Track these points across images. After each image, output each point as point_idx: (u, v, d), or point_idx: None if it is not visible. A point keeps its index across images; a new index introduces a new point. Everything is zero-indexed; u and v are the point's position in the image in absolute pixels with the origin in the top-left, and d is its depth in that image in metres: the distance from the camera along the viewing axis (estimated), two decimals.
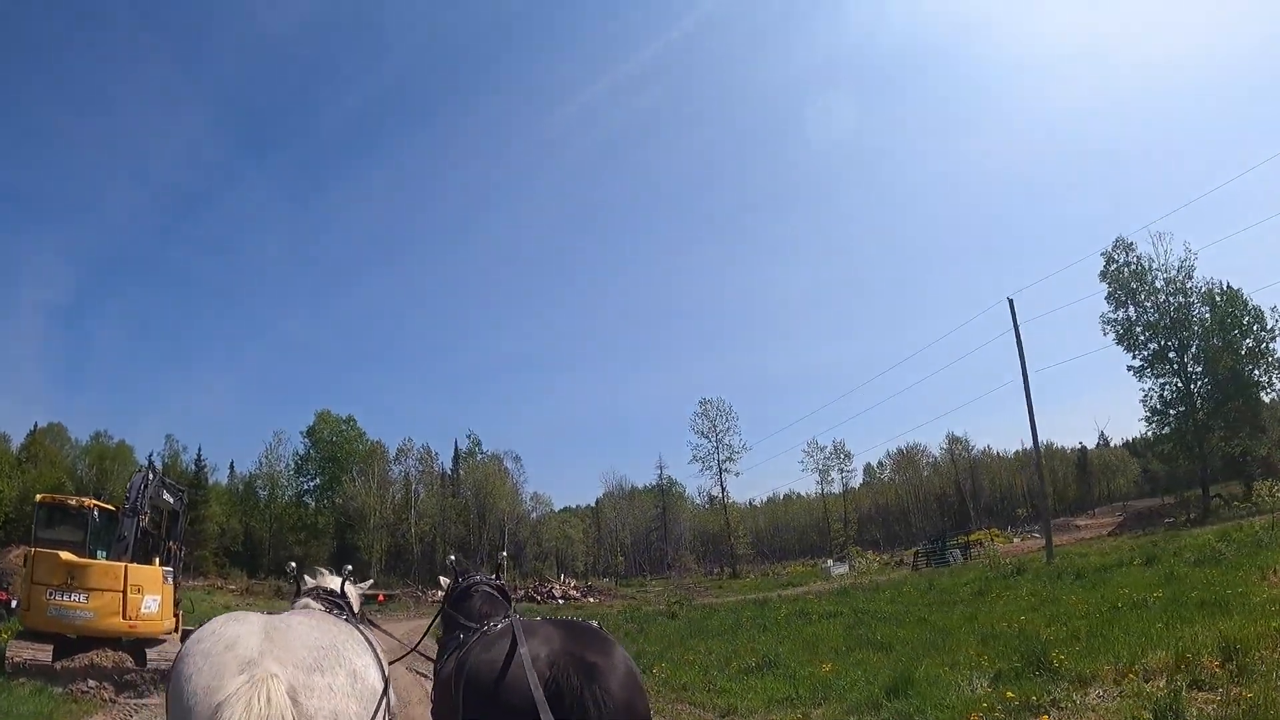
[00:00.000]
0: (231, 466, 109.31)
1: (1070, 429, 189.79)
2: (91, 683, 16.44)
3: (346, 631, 4.68)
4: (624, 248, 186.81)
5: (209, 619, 4.44)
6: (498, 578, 6.78)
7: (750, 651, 18.72)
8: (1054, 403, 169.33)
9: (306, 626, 4.35)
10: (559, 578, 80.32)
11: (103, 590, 16.98)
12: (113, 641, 17.34)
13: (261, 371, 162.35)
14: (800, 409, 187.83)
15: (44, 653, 16.30)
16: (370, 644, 4.77)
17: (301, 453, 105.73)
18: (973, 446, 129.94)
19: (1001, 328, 45.74)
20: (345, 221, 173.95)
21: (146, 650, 17.73)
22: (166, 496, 21.59)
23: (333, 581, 6.63)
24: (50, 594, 16.67)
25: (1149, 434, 69.66)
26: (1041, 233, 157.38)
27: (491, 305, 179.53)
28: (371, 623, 6.47)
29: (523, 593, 65.42)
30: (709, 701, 14.34)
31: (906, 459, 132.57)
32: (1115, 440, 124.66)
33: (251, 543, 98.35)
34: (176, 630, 21.25)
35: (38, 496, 20.12)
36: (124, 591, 17.16)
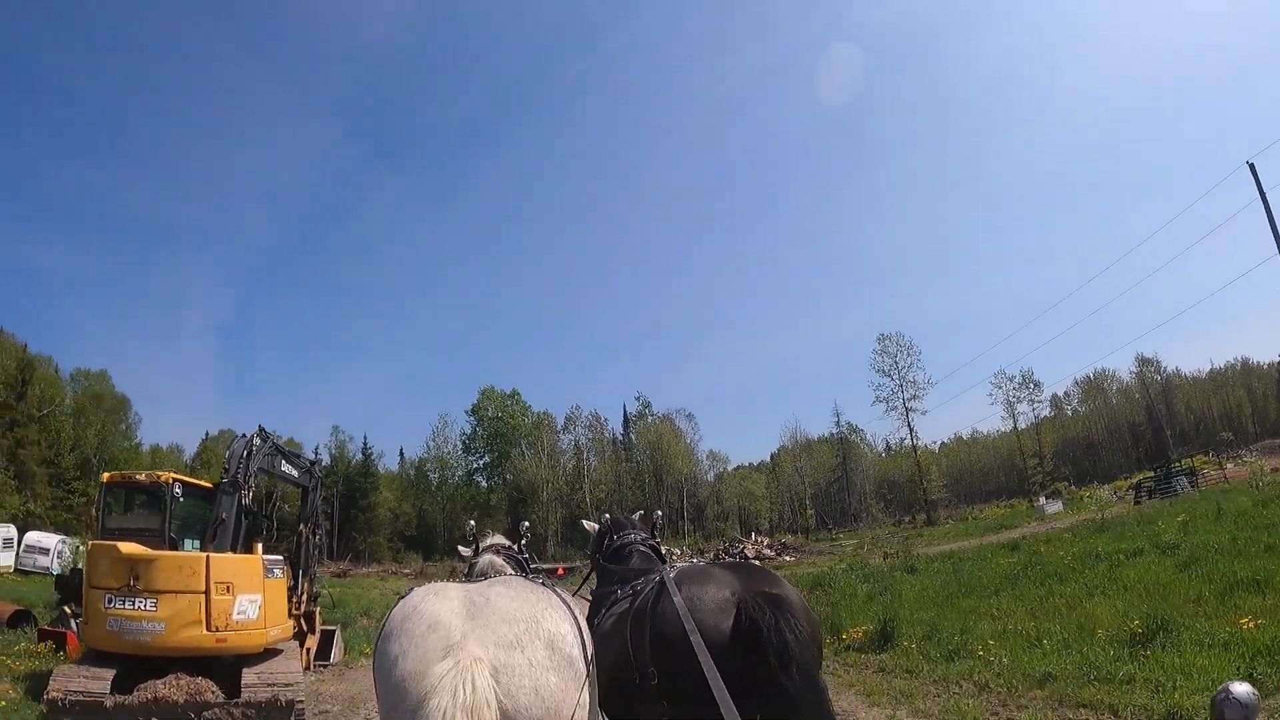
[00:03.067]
0: (401, 452, 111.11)
1: (1256, 346, 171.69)
2: None
3: (546, 598, 4.07)
4: (777, 194, 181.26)
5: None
6: (653, 536, 6.68)
7: (1108, 613, 13.86)
8: (1235, 320, 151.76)
9: (506, 598, 3.96)
10: (750, 536, 75.08)
11: (176, 592, 12.25)
12: (194, 662, 12.55)
13: (422, 361, 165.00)
14: (975, 347, 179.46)
15: (99, 681, 11.71)
16: (569, 609, 4.05)
17: (468, 432, 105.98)
18: (1164, 368, 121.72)
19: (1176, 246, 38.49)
20: (486, 206, 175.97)
21: (245, 670, 12.88)
22: (286, 468, 17.33)
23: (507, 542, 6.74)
24: (109, 600, 12.15)
25: None
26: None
27: (648, 269, 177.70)
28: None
29: (711, 555, 60.62)
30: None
31: (1094, 386, 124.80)
32: None
33: (425, 525, 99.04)
34: (310, 634, 17.67)
35: (104, 476, 15.47)
36: (206, 592, 12.39)
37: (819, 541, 77.72)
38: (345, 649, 19.73)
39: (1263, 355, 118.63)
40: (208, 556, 12.77)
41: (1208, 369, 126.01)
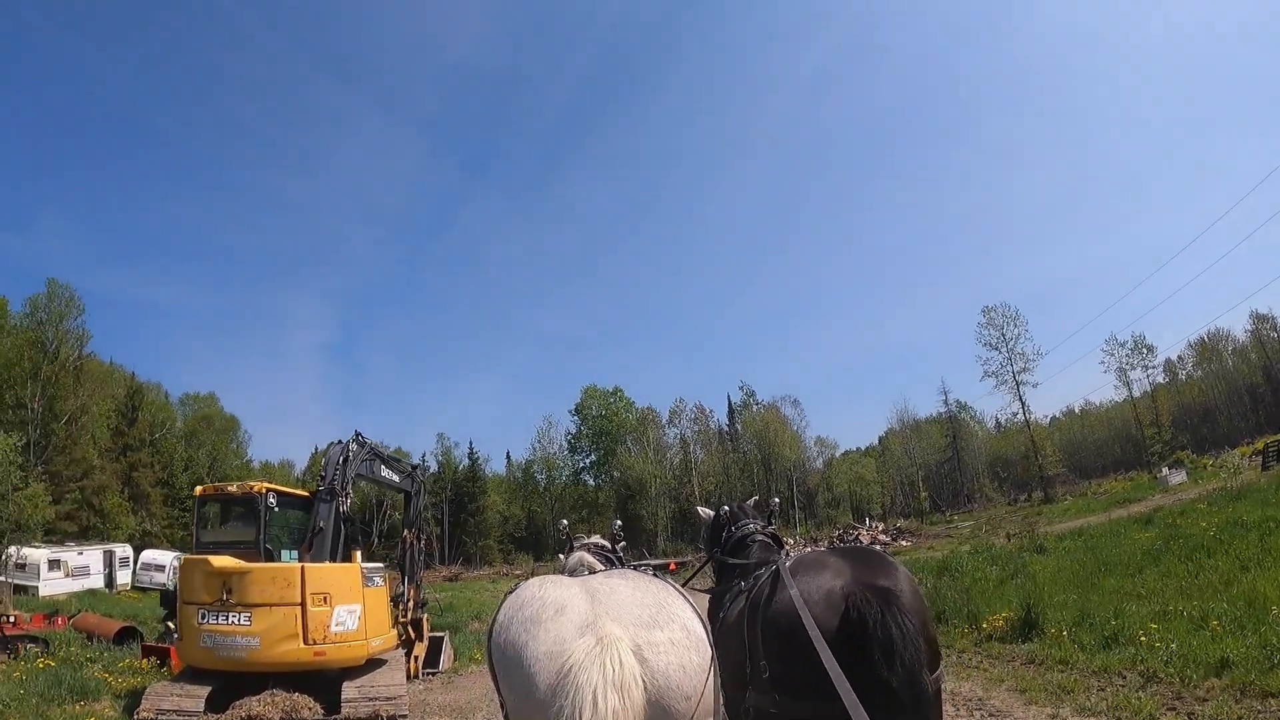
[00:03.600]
0: (508, 456, 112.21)
1: None
2: None
3: (663, 587, 4.18)
4: (864, 177, 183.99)
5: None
6: (770, 525, 6.56)
7: (1274, 588, 12.19)
8: None
9: (627, 587, 4.01)
10: (864, 523, 73.59)
11: (271, 605, 11.75)
12: (292, 677, 12.04)
13: (525, 367, 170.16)
14: (1083, 315, 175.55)
15: (192, 699, 11.28)
16: (685, 597, 4.13)
17: (573, 431, 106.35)
18: None
19: None
20: (578, 210, 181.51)
21: (346, 684, 12.34)
22: (386, 473, 16.90)
23: (602, 542, 6.71)
24: (202, 616, 11.74)
25: None
26: None
27: (743, 262, 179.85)
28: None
29: (825, 544, 59.12)
30: None
31: (1209, 349, 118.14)
32: None
33: (534, 527, 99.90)
34: (418, 641, 17.15)
35: (196, 490, 15.08)
36: (303, 603, 11.85)
37: (934, 525, 75.64)
38: (455, 655, 19.15)
39: None
40: (303, 567, 12.26)
41: None
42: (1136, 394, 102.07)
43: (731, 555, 6.07)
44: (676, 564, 56.37)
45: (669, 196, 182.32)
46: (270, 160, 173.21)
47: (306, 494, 14.73)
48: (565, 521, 8.34)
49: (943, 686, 4.65)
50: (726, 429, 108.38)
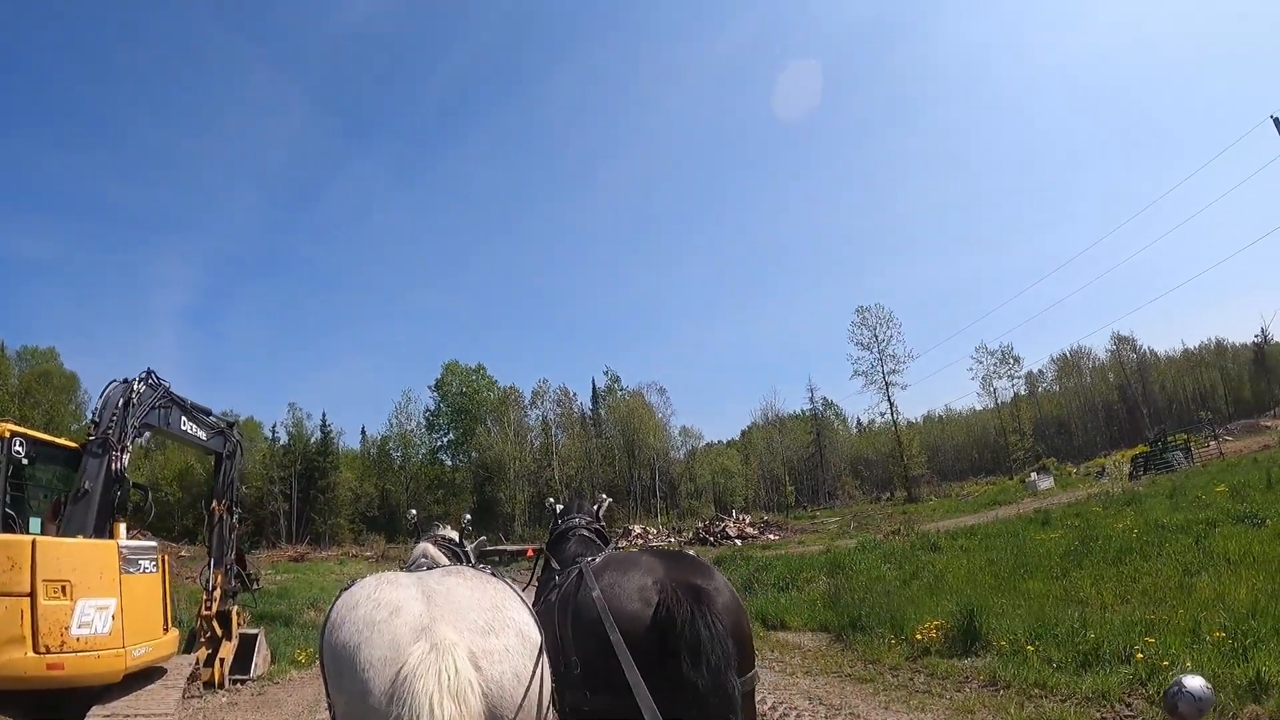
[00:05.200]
0: (363, 431, 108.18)
1: (1225, 327, 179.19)
2: None
3: (501, 588, 4.11)
4: (749, 177, 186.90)
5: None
6: (597, 520, 6.63)
7: (1250, 594, 11.28)
8: (1210, 300, 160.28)
9: (465, 588, 3.95)
10: (730, 514, 72.04)
11: None
12: (17, 698, 8.35)
13: (395, 344, 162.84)
14: (953, 325, 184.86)
15: None
16: (522, 599, 4.11)
17: (432, 408, 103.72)
18: (1140, 346, 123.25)
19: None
20: (461, 188, 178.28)
21: (94, 709, 8.80)
22: (189, 428, 13.56)
23: (450, 534, 6.78)
24: None
25: None
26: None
27: (620, 253, 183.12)
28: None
29: (690, 535, 59.08)
30: None
31: (1070, 364, 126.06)
32: (1277, 338, 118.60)
33: (388, 506, 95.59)
34: (225, 641, 14.07)
35: None
36: (32, 594, 8.27)
37: (799, 519, 74.89)
38: (272, 656, 15.72)
39: (1237, 336, 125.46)
40: (34, 542, 8.60)
41: (1181, 349, 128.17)
42: (999, 403, 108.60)
43: (554, 549, 6.11)
44: (534, 550, 53.90)
45: (553, 181, 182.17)
46: (145, 108, 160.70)
47: (75, 445, 11.10)
48: (413, 511, 8.15)
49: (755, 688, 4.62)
50: (590, 413, 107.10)
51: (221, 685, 13.62)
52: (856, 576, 20.38)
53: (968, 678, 10.29)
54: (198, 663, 13.23)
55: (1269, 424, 77.95)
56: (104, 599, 9.03)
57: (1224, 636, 9.27)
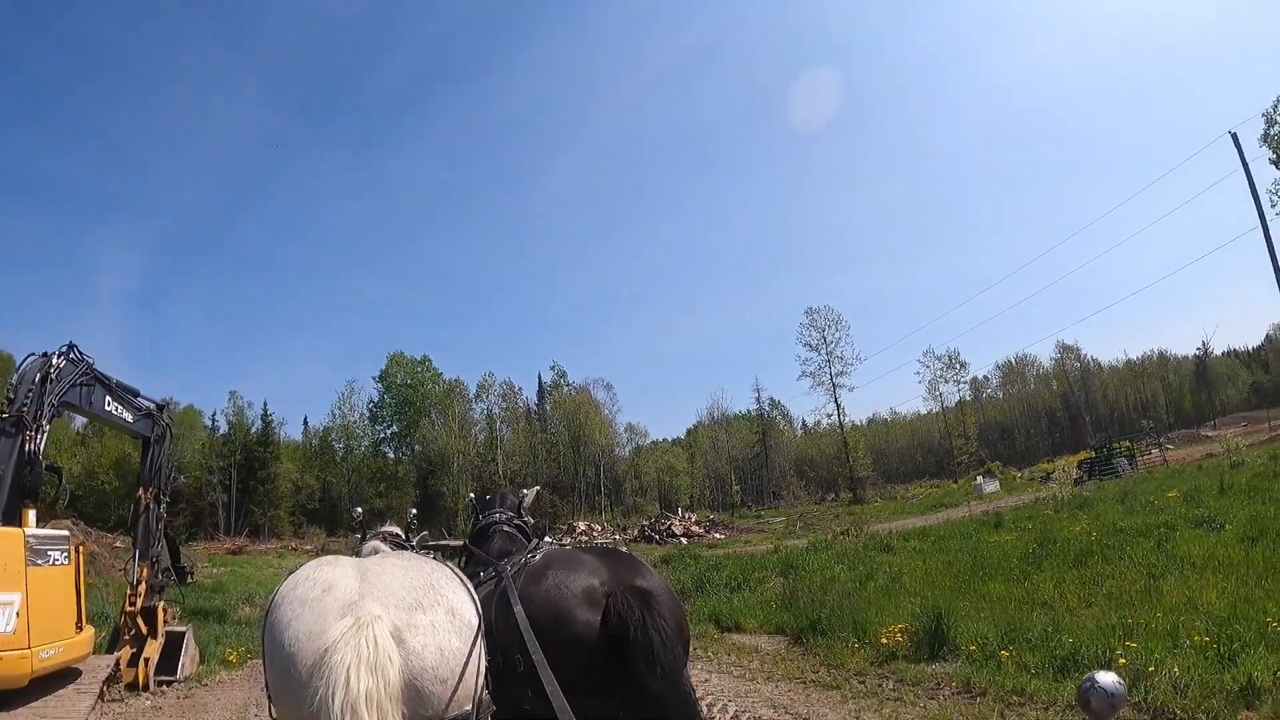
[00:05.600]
0: (305, 422, 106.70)
1: (1168, 340, 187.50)
2: None
3: (439, 569, 4.07)
4: (704, 177, 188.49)
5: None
6: (519, 514, 6.49)
7: (1224, 599, 11.23)
8: (1152, 313, 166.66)
9: (400, 567, 3.94)
10: (677, 513, 71.65)
11: None
12: None
13: (341, 335, 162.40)
14: (900, 331, 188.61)
15: None
16: (462, 580, 4.07)
17: (376, 400, 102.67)
18: (1085, 355, 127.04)
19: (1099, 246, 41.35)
20: (411, 179, 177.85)
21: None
22: (114, 408, 12.67)
23: (396, 530, 6.55)
24: None
25: None
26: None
27: (571, 248, 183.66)
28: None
29: (636, 533, 58.61)
30: None
31: (1014, 371, 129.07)
32: (1217, 351, 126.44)
33: (329, 499, 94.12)
34: (151, 639, 13.24)
35: None
36: None
37: (744, 519, 75.08)
38: (201, 656, 14.83)
39: (1180, 349, 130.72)
40: None
41: (1124, 360, 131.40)
42: (945, 407, 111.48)
43: (475, 544, 6.04)
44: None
45: (506, 175, 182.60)
46: (87, 80, 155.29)
47: None
48: (359, 509, 7.92)
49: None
50: (536, 408, 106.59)
51: (145, 687, 12.67)
52: (810, 577, 19.99)
53: (939, 684, 9.83)
54: (119, 663, 12.34)
55: (1209, 434, 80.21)
56: (7, 594, 8.20)
57: (1209, 641, 9.00)
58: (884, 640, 11.93)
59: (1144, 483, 34.20)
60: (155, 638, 13.43)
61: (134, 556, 13.51)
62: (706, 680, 11.36)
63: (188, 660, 13.93)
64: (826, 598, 16.02)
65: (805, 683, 10.80)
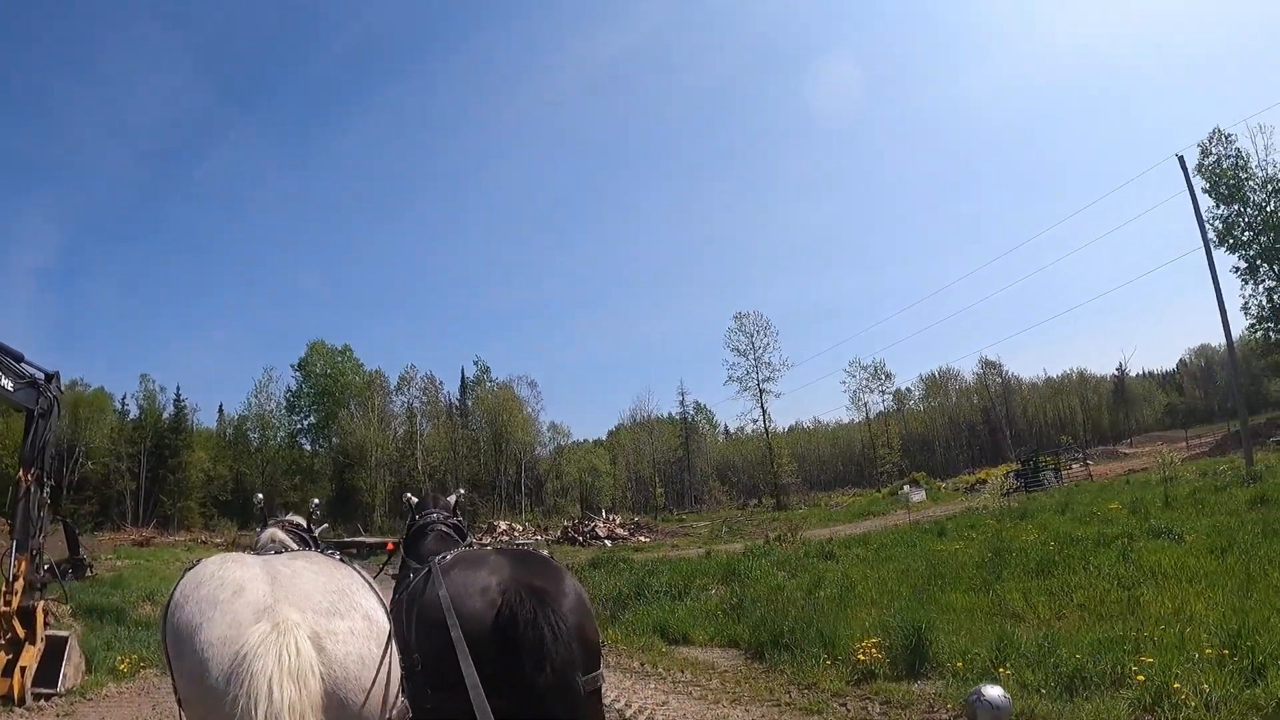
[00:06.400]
0: (220, 409, 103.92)
1: (1087, 359, 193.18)
2: None
3: (349, 574, 4.12)
4: (639, 184, 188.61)
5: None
6: (455, 515, 6.65)
7: (1215, 610, 10.82)
8: (1076, 332, 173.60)
9: (311, 571, 3.90)
10: (601, 514, 70.72)
11: None
12: None
13: (261, 321, 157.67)
14: (827, 341, 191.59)
15: None
16: (371, 585, 4.13)
17: (294, 389, 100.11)
18: (1006, 372, 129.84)
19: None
20: (345, 168, 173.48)
21: None
22: None
23: (298, 520, 6.73)
24: None
25: (1259, 338, 68.54)
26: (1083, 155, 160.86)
27: (506, 248, 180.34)
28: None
29: (558, 533, 57.92)
30: None
31: (937, 384, 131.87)
32: (1133, 373, 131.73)
33: (242, 491, 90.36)
34: (28, 646, 11.76)
35: None
36: None
37: (668, 522, 74.69)
38: (87, 665, 13.13)
39: (1098, 368, 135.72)
40: None
41: (1044, 377, 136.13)
42: (868, 417, 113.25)
43: (411, 544, 6.04)
44: (395, 543, 51.75)
45: (443, 168, 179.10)
46: (18, 51, 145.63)
47: None
48: (259, 495, 7.97)
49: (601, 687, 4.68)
50: (458, 403, 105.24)
51: (21, 701, 11.13)
52: (755, 585, 19.02)
53: (931, 706, 8.83)
54: None
55: (1127, 450, 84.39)
56: None
57: (1227, 654, 8.47)
58: (860, 657, 10.79)
59: (1075, 494, 34.80)
60: (34, 644, 11.79)
61: (10, 549, 11.87)
62: (665, 703, 10.19)
63: (70, 670, 12.25)
64: (781, 608, 15.00)
65: (779, 705, 9.62)
